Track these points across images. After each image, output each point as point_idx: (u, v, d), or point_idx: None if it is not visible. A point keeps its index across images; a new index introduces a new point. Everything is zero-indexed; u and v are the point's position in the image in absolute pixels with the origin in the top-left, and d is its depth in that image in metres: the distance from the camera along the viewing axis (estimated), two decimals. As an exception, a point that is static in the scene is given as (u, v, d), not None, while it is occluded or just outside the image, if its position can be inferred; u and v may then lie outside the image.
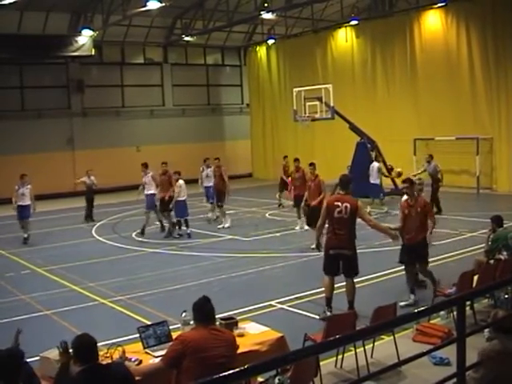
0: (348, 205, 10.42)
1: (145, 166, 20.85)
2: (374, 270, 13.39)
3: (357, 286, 10.84)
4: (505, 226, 11.68)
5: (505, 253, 11.12)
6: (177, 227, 19.69)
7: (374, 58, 31.90)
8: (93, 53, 31.39)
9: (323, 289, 10.87)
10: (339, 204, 10.51)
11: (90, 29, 29.94)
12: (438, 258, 14.79)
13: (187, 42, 34.92)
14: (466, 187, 26.33)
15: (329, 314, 10.34)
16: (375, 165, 23.16)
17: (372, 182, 22.71)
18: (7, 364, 5.28)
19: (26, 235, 19.29)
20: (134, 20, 31.52)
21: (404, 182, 11.76)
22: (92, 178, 23.45)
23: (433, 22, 29.38)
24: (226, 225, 20.28)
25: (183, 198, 19.18)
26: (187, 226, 19.40)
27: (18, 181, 19.30)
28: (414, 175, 21.53)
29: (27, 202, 19.12)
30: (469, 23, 27.86)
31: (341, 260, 10.63)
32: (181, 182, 19.28)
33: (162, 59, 37.00)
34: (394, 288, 12.11)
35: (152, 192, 19.97)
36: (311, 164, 17.74)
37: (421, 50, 29.76)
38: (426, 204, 11.56)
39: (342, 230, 10.50)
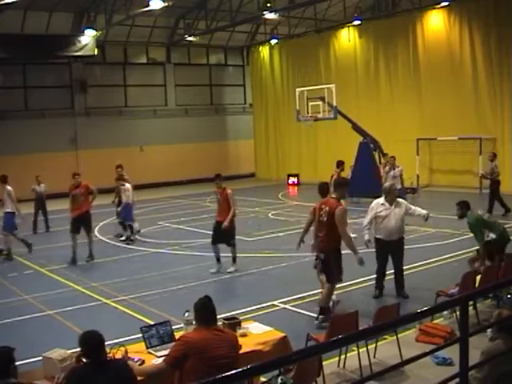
0: (327, 208, 10.50)
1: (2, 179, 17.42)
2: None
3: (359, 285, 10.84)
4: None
5: (491, 234, 11.20)
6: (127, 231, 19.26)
7: (377, 58, 31.90)
8: (96, 53, 31.44)
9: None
10: (322, 207, 10.68)
11: (92, 29, 29.99)
12: (442, 258, 14.82)
13: (190, 41, 34.95)
14: (468, 187, 26.29)
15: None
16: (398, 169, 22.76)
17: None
18: None
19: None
20: (137, 20, 31.55)
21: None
22: (42, 185, 22.20)
23: (436, 22, 29.37)
24: (233, 269, 14.82)
25: (130, 202, 19.03)
26: (131, 232, 19.23)
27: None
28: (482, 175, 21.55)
29: (7, 208, 17.04)
30: (472, 23, 27.86)
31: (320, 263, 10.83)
32: (128, 185, 19.19)
33: (164, 59, 37.04)
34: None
35: (9, 210, 17.10)
36: (217, 176, 14.94)
37: (424, 50, 29.76)
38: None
39: (320, 233, 10.63)
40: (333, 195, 10.98)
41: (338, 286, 10.97)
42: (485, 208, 21.19)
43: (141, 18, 30.97)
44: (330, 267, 10.57)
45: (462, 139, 26.77)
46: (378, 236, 11.78)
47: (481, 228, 11.12)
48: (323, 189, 11.68)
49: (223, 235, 14.44)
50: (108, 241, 19.47)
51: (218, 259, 14.66)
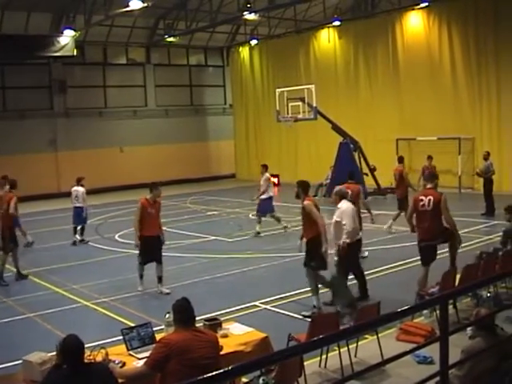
0: (432, 198, 10.88)
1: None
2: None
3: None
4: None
5: None
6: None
7: (357, 59, 32.00)
8: (75, 53, 31.17)
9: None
10: (423, 198, 11.00)
11: (72, 29, 29.77)
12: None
13: (170, 42, 34.84)
14: (448, 187, 26.35)
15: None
16: None
17: None
18: None
19: None
20: (117, 20, 31.40)
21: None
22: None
23: (415, 23, 29.53)
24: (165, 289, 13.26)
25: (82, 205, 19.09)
26: (82, 234, 19.30)
27: None
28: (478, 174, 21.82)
29: None
30: (451, 24, 28.04)
31: None
32: (81, 189, 19.21)
33: (144, 60, 36.90)
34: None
35: None
36: (154, 184, 13.36)
37: (403, 51, 29.90)
38: None
39: (424, 223, 10.97)
40: (429, 185, 11.35)
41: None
42: (460, 206, 21.37)
43: (120, 19, 30.82)
44: (453, 248, 11.15)
45: (441, 139, 26.90)
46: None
47: None
48: (306, 185, 11.76)
49: (157, 251, 13.11)
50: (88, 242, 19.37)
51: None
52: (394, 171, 19.58)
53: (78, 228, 19.31)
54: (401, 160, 19.69)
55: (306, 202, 11.16)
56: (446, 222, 10.97)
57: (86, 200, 19.35)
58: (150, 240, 12.81)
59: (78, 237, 19.22)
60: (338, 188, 12.10)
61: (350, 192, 12.46)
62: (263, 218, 19.41)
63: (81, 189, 19.17)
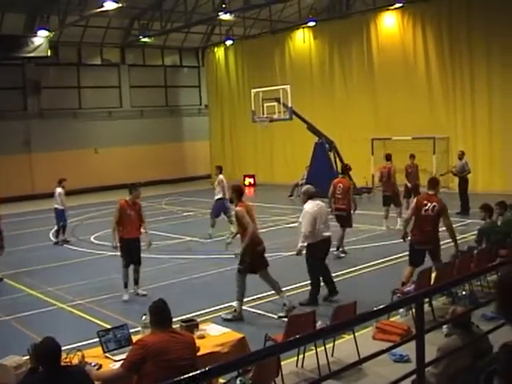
0: (436, 204, 11.05)
1: None
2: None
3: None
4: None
5: None
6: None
7: (332, 59, 32.10)
8: (49, 54, 30.95)
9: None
10: (426, 203, 11.11)
11: (46, 29, 29.53)
12: (397, 256, 14.95)
13: (145, 42, 34.71)
14: (422, 186, 26.49)
15: None
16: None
17: None
18: None
19: None
20: (91, 21, 31.19)
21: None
22: None
23: (390, 23, 29.69)
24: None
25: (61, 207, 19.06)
26: (62, 234, 19.35)
27: None
28: (442, 174, 22.02)
29: None
30: (425, 24, 28.24)
31: None
32: (59, 190, 19.12)
33: (119, 60, 36.72)
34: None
35: None
36: (133, 185, 13.11)
37: (378, 51, 30.05)
38: None
39: (427, 227, 11.16)
40: (430, 192, 11.33)
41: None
42: (451, 206, 21.48)
43: (95, 19, 30.61)
44: (438, 255, 11.27)
45: (416, 139, 27.07)
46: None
47: None
48: (240, 190, 11.48)
49: (137, 253, 12.92)
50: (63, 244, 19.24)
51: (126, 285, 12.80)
52: (381, 169, 19.73)
53: (54, 229, 19.19)
54: (389, 158, 19.74)
55: (238, 208, 11.05)
56: (446, 229, 11.20)
57: (64, 201, 19.18)
58: (130, 242, 12.68)
59: (52, 238, 19.10)
60: (305, 187, 12.11)
61: (341, 186, 14.68)
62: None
63: (58, 190, 19.07)
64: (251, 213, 11.11)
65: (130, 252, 12.74)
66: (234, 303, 11.03)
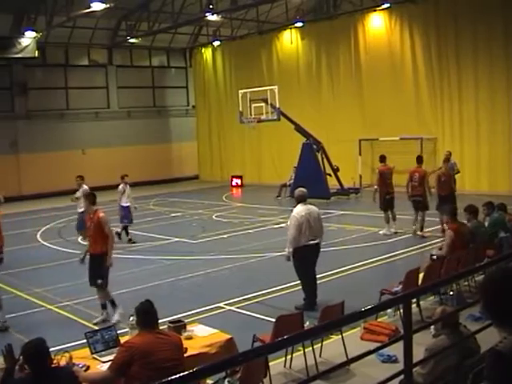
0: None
1: None
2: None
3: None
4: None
5: (502, 233, 12.29)
6: None
7: (319, 60, 32.15)
8: (36, 54, 30.83)
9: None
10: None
11: (33, 30, 29.43)
12: (385, 256, 15.01)
13: (132, 43, 34.64)
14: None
15: None
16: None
17: None
18: None
19: None
20: (78, 21, 31.06)
21: None
22: None
23: (377, 24, 29.75)
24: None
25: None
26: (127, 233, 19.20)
27: None
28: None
29: None
30: (412, 25, 28.31)
31: None
32: (120, 186, 19.17)
33: (106, 61, 36.60)
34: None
35: None
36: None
37: (365, 52, 30.10)
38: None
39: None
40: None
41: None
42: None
43: (82, 20, 30.49)
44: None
45: (403, 139, 27.15)
46: None
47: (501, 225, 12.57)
48: (93, 197, 11.50)
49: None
50: (50, 245, 19.15)
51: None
52: (377, 170, 19.38)
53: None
54: (383, 159, 19.28)
55: (101, 215, 10.92)
56: None
57: (126, 198, 19.18)
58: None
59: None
60: (296, 191, 12.05)
61: (417, 175, 17.88)
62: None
63: (121, 186, 19.22)
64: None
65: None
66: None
